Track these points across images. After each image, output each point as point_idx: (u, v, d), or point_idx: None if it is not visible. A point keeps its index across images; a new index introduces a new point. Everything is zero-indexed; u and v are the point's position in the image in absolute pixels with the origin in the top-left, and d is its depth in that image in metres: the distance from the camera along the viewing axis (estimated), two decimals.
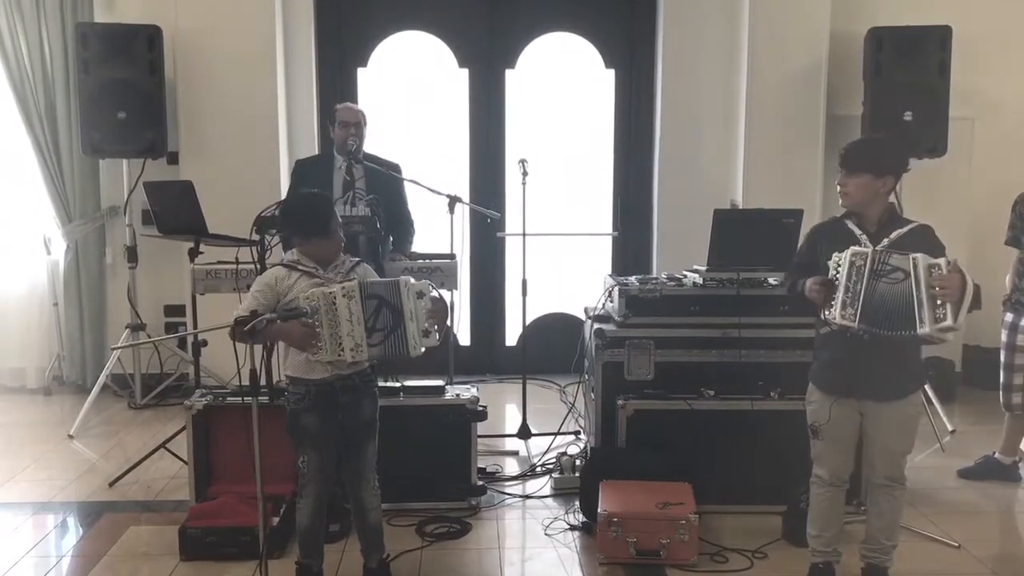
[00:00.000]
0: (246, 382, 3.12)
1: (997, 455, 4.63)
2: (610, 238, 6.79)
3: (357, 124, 4.85)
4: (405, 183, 4.93)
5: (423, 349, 3.13)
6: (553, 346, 5.77)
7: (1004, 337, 4.46)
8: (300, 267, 3.22)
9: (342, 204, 4.52)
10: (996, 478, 4.58)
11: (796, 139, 6.11)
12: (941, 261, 2.96)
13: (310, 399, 3.22)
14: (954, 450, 5.05)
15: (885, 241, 3.10)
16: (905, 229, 3.15)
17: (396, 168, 4.93)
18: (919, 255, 2.98)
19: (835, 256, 3.10)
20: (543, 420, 5.33)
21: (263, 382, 3.52)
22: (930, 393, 5.46)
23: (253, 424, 3.13)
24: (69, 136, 6.07)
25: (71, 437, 5.36)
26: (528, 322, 5.70)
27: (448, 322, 3.24)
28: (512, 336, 6.82)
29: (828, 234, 3.30)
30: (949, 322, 2.92)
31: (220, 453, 4.12)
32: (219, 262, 4.45)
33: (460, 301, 5.01)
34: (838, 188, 3.22)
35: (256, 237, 4.01)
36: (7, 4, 5.91)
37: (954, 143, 5.68)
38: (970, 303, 2.93)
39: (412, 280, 3.18)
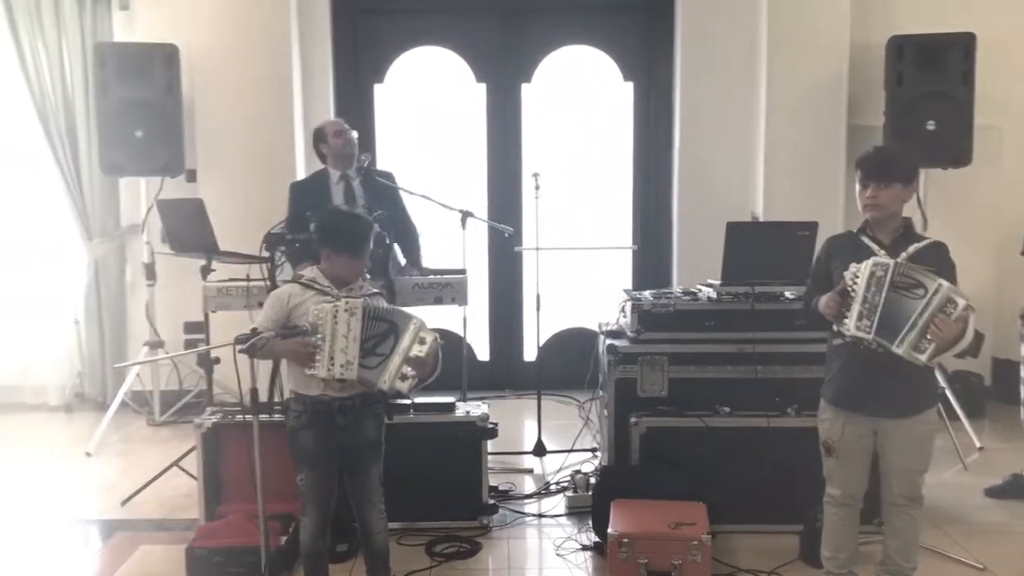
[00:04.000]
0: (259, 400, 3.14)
1: None
2: (630, 252, 6.72)
3: (348, 131, 4.80)
4: (407, 193, 4.89)
5: (391, 389, 3.11)
6: (573, 361, 5.68)
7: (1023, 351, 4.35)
8: (316, 286, 3.21)
9: None
10: None
11: (817, 150, 6.01)
12: (960, 302, 2.87)
13: (307, 416, 3.19)
14: (982, 468, 4.91)
15: (904, 255, 3.02)
16: (921, 245, 3.08)
17: (390, 177, 4.88)
18: (947, 284, 2.90)
19: (852, 267, 3.02)
20: (561, 437, 5.27)
21: (271, 400, 3.53)
22: (957, 408, 5.33)
23: (253, 443, 3.12)
24: (89, 155, 6.13)
25: (89, 455, 5.38)
26: (548, 337, 5.66)
27: (430, 379, 3.20)
28: (531, 351, 6.76)
29: (842, 248, 3.23)
30: (922, 358, 2.91)
31: (230, 471, 4.11)
32: (231, 279, 4.45)
33: (473, 316, 4.97)
34: (867, 200, 3.10)
35: (266, 254, 4.02)
36: (29, 24, 6.00)
37: (981, 152, 5.54)
38: (964, 351, 2.90)
39: (425, 324, 3.15)
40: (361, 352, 3.07)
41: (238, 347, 3.01)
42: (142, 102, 5.72)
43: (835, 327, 3.07)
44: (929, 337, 2.88)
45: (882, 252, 3.07)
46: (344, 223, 3.32)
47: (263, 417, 3.26)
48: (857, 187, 3.16)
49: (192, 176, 6.12)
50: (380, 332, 3.10)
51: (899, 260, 2.98)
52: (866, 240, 3.14)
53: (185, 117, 5.94)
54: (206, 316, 4.60)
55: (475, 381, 5.16)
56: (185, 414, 6.11)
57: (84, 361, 6.41)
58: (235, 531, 3.75)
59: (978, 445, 5.22)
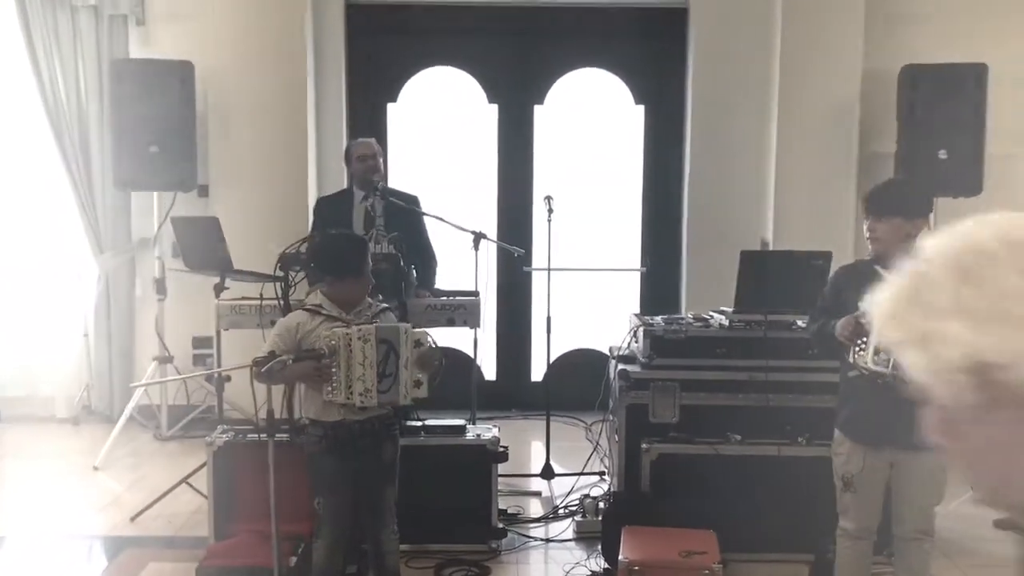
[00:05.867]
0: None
1: None
2: (639, 274, 6.73)
3: (374, 156, 4.88)
4: (426, 215, 4.94)
5: (411, 400, 3.15)
6: (580, 383, 5.70)
7: None
8: (323, 311, 3.22)
9: None
10: None
11: (828, 177, 6.02)
12: None
13: (327, 441, 3.20)
14: None
15: None
16: None
17: (415, 200, 4.94)
18: None
19: (868, 297, 3.02)
20: (568, 459, 5.26)
21: (284, 419, 3.54)
22: None
23: (269, 463, 3.13)
24: (102, 169, 6.15)
25: (96, 469, 5.38)
26: (556, 358, 5.64)
27: (438, 375, 3.23)
28: (539, 372, 6.76)
29: (855, 277, 3.23)
30: None
31: (241, 490, 4.09)
32: (244, 298, 4.47)
33: (484, 338, 4.98)
34: (866, 234, 3.15)
35: (280, 274, 4.03)
36: (46, 39, 6.03)
37: (994, 181, 5.55)
38: None
39: (412, 328, 3.20)
40: (377, 377, 3.09)
41: (256, 369, 3.02)
42: (157, 118, 5.74)
43: (850, 359, 3.06)
44: None
45: None
46: (339, 246, 3.37)
47: (277, 437, 3.27)
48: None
49: (204, 191, 6.15)
50: (385, 353, 3.13)
51: None
52: (880, 271, 3.15)
53: (199, 133, 5.97)
54: (218, 334, 4.61)
55: (482, 400, 5.16)
56: (192, 429, 6.10)
57: (92, 374, 6.42)
58: (246, 551, 3.75)
59: None
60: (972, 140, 5.46)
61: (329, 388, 3.10)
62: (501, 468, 4.24)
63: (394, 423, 3.35)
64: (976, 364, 0.90)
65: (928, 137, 5.48)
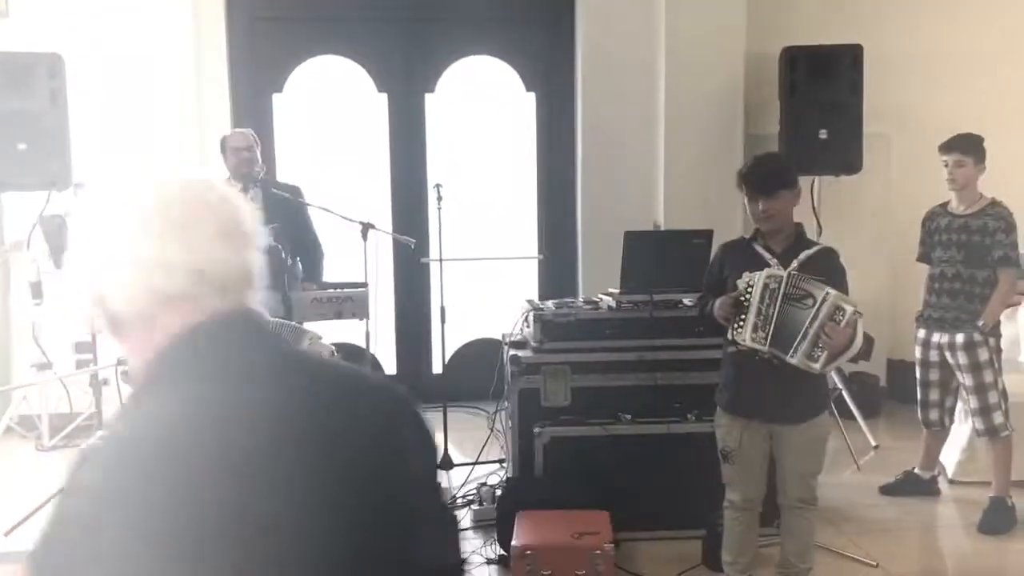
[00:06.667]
0: None
1: (916, 470, 4.63)
2: (536, 262, 6.72)
3: (249, 148, 4.74)
4: (309, 206, 4.82)
5: None
6: (482, 372, 5.65)
7: (918, 354, 4.47)
8: None
9: None
10: (916, 493, 4.59)
11: (716, 158, 6.10)
12: (848, 308, 2.94)
13: None
14: (878, 466, 5.06)
15: (795, 263, 3.08)
16: (812, 251, 3.15)
17: (297, 191, 4.81)
18: (833, 292, 2.96)
19: (746, 275, 3.07)
20: (470, 448, 5.22)
21: None
22: (853, 409, 5.48)
23: None
24: None
25: None
26: (457, 348, 5.58)
27: None
28: (439, 363, 6.70)
29: (735, 255, 3.27)
30: (816, 366, 2.98)
31: None
32: None
33: (383, 331, 4.90)
34: (761, 215, 3.13)
35: None
36: None
37: (871, 160, 5.73)
38: (856, 355, 2.99)
39: (320, 337, 3.09)
40: None
41: (124, 369, 2.88)
42: (25, 114, 5.44)
43: (729, 335, 3.11)
44: (821, 345, 2.94)
45: (774, 261, 3.12)
46: None
47: None
48: (746, 202, 3.20)
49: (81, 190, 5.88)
50: None
51: (791, 271, 3.03)
52: (759, 248, 3.19)
53: (72, 129, 5.69)
54: (94, 336, 4.41)
55: None
56: (76, 438, 5.85)
57: None
58: None
59: (873, 444, 5.37)
60: (850, 120, 5.61)
61: None
62: None
63: None
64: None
65: (809, 117, 5.61)
